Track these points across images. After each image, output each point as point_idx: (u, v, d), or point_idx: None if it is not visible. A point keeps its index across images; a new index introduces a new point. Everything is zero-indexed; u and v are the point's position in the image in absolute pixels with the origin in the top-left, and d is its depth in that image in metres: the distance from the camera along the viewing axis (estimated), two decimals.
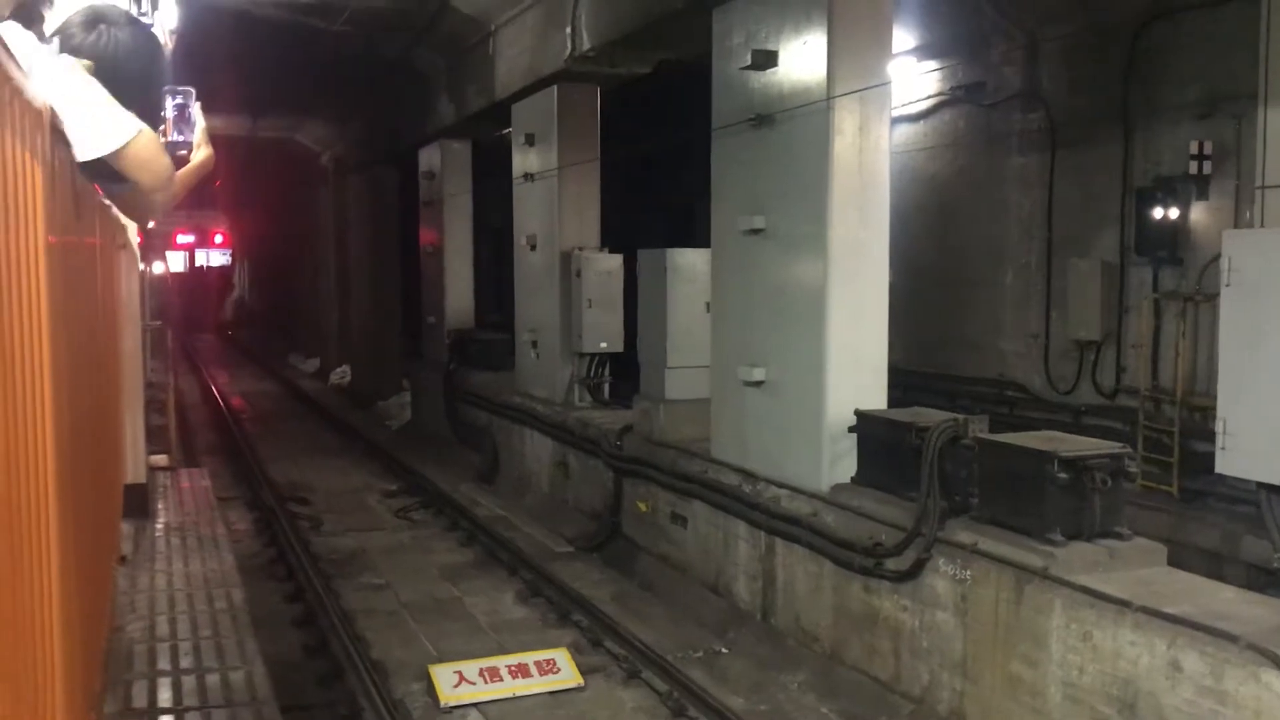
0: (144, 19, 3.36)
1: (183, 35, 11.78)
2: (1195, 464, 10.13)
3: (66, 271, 3.04)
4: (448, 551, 12.72)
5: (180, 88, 3.48)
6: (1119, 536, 6.75)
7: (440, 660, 8.75)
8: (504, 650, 9.02)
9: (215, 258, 48.01)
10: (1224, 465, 7.75)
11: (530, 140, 15.08)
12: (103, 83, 2.90)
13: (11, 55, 1.94)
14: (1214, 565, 9.21)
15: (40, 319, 2.34)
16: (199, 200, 40.46)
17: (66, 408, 2.94)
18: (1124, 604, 6.03)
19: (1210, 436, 8.88)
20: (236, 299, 49.13)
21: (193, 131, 3.50)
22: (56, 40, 2.95)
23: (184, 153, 3.50)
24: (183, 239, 44.26)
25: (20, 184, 2.04)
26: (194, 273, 48.34)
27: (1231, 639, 5.46)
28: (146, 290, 11.26)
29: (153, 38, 3.18)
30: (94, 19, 2.96)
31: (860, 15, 8.79)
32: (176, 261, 44.30)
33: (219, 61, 17.24)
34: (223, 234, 46.50)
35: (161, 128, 3.45)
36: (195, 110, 3.51)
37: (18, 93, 1.93)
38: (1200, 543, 9.74)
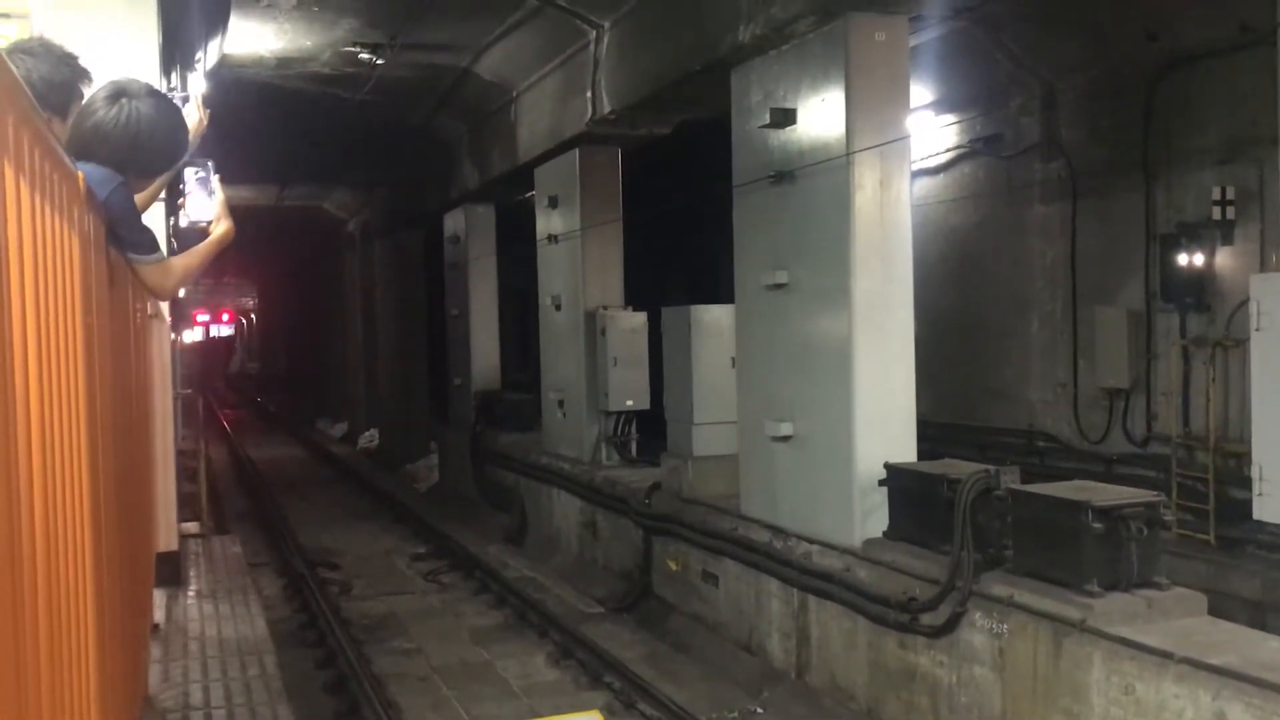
0: (173, 94, 3.43)
1: (212, 107, 12.01)
2: (1231, 511, 9.98)
3: (101, 340, 3.08)
4: (478, 614, 12.66)
5: (200, 160, 3.54)
6: (1157, 586, 6.65)
7: None
8: (536, 714, 8.93)
9: (223, 330, 66.83)
10: (1262, 511, 7.64)
11: (553, 202, 15.24)
12: (125, 153, 2.97)
13: (49, 129, 1.99)
14: (1255, 615, 9.03)
15: (77, 389, 2.37)
16: (218, 272, 43.04)
17: (102, 477, 2.97)
18: (1166, 655, 5.92)
19: (1245, 482, 8.77)
20: (238, 368, 64.73)
21: (212, 204, 3.55)
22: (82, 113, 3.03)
23: (204, 225, 3.55)
24: (201, 318, 58.65)
25: (57, 255, 2.09)
26: (208, 341, 64.37)
27: (1279, 690, 5.34)
28: (178, 359, 11.39)
29: (174, 110, 3.24)
30: (116, 93, 3.03)
31: (877, 71, 8.87)
32: (196, 334, 58.70)
33: (247, 133, 17.57)
34: (229, 313, 63.17)
35: (181, 200, 3.52)
36: (214, 183, 3.57)
37: (57, 165, 1.98)
38: (1240, 592, 9.57)
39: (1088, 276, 12.43)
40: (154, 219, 5.54)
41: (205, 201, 3.53)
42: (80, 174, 2.31)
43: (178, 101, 3.53)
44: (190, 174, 3.56)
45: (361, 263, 29.25)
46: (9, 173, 1.55)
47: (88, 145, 2.93)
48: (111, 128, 2.97)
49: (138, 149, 3.02)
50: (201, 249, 3.50)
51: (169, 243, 8.52)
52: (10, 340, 1.62)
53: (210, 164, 3.58)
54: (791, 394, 9.62)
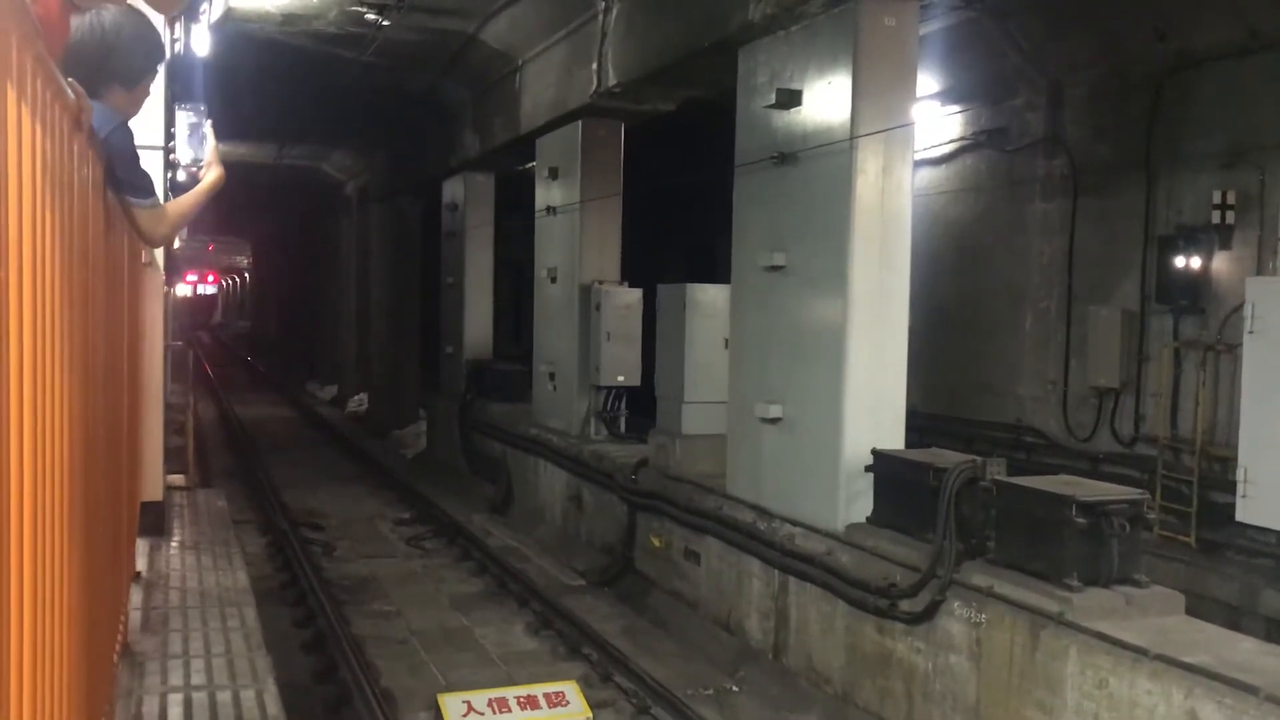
0: (191, 113, 3.41)
1: (214, 62, 11.95)
2: (1214, 515, 10.03)
3: (95, 284, 3.06)
4: (459, 581, 12.69)
5: (193, 105, 3.52)
6: (1136, 583, 6.68)
7: (449, 690, 8.70)
8: (513, 681, 8.96)
9: (208, 289, 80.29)
10: (1245, 514, 7.69)
11: (553, 174, 15.18)
12: (99, 61, 2.95)
13: (52, 63, 1.96)
14: (1232, 617, 9.09)
15: (68, 333, 2.35)
16: (213, 231, 43.40)
17: (90, 424, 2.95)
18: (1141, 652, 5.96)
19: (1229, 487, 8.82)
20: (219, 319, 78.56)
21: (203, 150, 3.54)
22: None
23: (195, 169, 3.54)
24: (190, 277, 67.67)
25: (56, 190, 2.06)
26: (195, 297, 75.62)
27: (1251, 690, 5.38)
28: (170, 310, 11.34)
29: (140, 14, 3.21)
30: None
31: (885, 57, 8.84)
32: (184, 290, 66.70)
33: (249, 89, 17.47)
34: (214, 274, 75.64)
35: (172, 144, 3.51)
36: (207, 129, 3.55)
37: (59, 95, 1.95)
38: (1218, 594, 9.63)
39: (1084, 274, 12.44)
40: (152, 170, 5.50)
41: (195, 145, 3.52)
42: (84, 106, 2.29)
43: (195, 123, 3.51)
44: (183, 118, 3.54)
45: (358, 226, 29.14)
46: (11, 96, 1.52)
47: (65, 65, 2.91)
48: (82, 38, 2.96)
49: (110, 54, 3.00)
50: (193, 195, 3.49)
51: (165, 196, 8.46)
52: (6, 278, 1.61)
53: (203, 109, 3.56)
54: (783, 376, 9.63)
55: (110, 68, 3.03)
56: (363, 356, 28.53)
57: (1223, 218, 10.65)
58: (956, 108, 13.85)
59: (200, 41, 11.87)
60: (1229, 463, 9.64)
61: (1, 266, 1.57)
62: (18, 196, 1.67)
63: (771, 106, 9.52)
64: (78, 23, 2.96)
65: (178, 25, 11.01)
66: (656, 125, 14.35)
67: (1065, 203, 12.60)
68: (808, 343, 9.31)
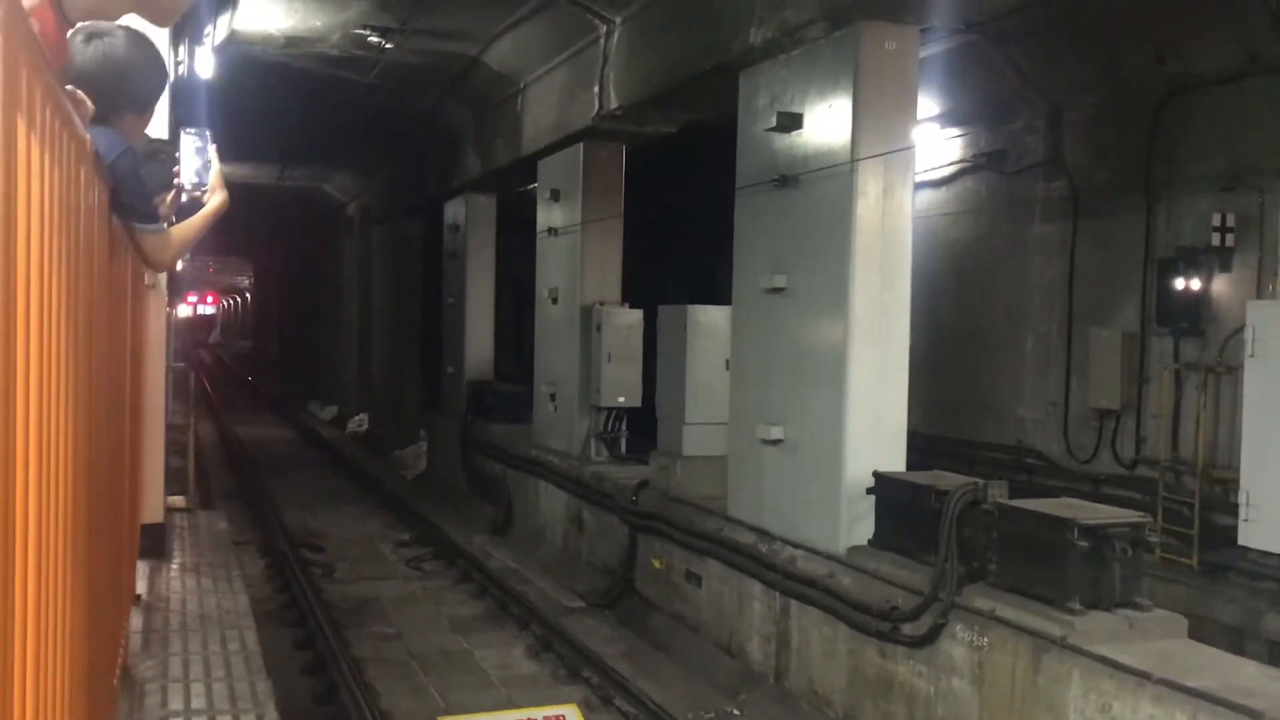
0: (191, 135, 3.43)
1: (218, 84, 12.03)
2: (1215, 537, 9.99)
3: (99, 309, 3.07)
4: (459, 603, 12.65)
5: (197, 129, 3.51)
6: (1139, 607, 6.66)
7: (449, 713, 8.67)
8: (513, 704, 8.94)
9: (206, 310, 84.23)
10: (1247, 537, 7.68)
11: (555, 195, 15.23)
12: (114, 89, 2.97)
13: (60, 93, 1.98)
14: (1235, 641, 9.05)
15: (72, 358, 2.36)
16: (216, 252, 43.72)
17: (91, 448, 2.96)
18: (1144, 676, 5.94)
19: (1231, 509, 8.80)
20: (217, 338, 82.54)
21: (208, 173, 3.54)
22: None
23: (199, 193, 3.53)
24: (190, 298, 68.82)
25: (62, 219, 2.08)
26: (195, 317, 77.40)
27: (1255, 715, 5.36)
28: (172, 332, 11.35)
29: (146, 39, 3.24)
30: (92, 34, 3.07)
31: (885, 81, 8.88)
32: (184, 310, 68.29)
33: (251, 111, 17.55)
34: (212, 295, 79.28)
35: (175, 168, 3.50)
36: (211, 152, 3.55)
37: (66, 124, 1.97)
38: (1220, 618, 9.59)
39: (1084, 296, 12.45)
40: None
41: (198, 169, 3.51)
42: (88, 136, 2.30)
43: (199, 146, 3.52)
44: (187, 140, 3.54)
45: (359, 247, 29.21)
46: (21, 128, 1.54)
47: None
48: (95, 69, 2.98)
49: (125, 82, 3.02)
50: (196, 220, 3.50)
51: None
52: (14, 304, 1.61)
53: (207, 133, 3.57)
54: (784, 398, 9.63)
55: (124, 96, 3.05)
56: (364, 377, 28.53)
57: (1222, 240, 10.67)
58: (957, 130, 13.90)
59: (204, 64, 11.96)
60: (1230, 485, 9.61)
61: (10, 291, 1.58)
62: (26, 225, 1.68)
63: (772, 129, 9.55)
64: (89, 53, 2.98)
65: (182, 48, 11.09)
66: (657, 147, 14.41)
67: (1065, 225, 12.62)
68: (809, 364, 9.31)
